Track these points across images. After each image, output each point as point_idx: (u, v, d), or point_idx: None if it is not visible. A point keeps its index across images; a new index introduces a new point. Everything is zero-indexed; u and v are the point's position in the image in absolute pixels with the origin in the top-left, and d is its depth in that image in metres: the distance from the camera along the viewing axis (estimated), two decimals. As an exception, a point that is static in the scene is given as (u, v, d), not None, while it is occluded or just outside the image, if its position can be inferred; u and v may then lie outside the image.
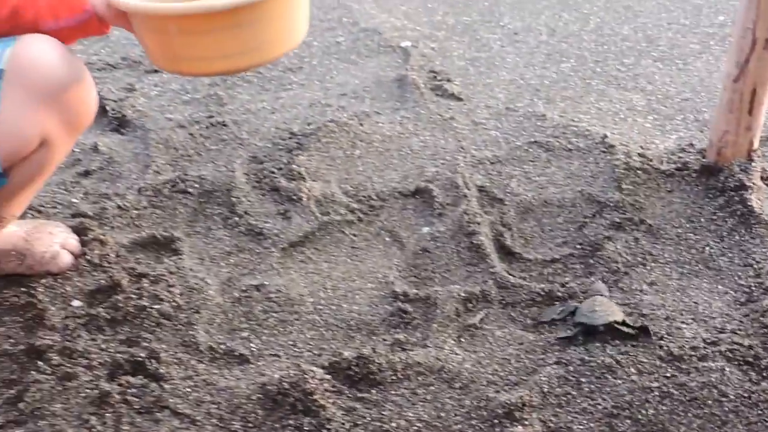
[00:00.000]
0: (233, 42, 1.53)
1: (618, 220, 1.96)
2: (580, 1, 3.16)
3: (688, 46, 2.84)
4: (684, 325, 1.68)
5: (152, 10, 1.52)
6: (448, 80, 2.57)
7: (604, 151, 2.16)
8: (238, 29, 1.51)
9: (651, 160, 2.11)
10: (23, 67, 1.57)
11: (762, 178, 2.06)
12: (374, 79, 2.59)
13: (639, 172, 2.07)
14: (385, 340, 1.69)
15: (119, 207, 2.03)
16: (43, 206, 2.05)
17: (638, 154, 2.14)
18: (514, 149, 2.21)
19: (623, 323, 1.64)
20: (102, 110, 2.34)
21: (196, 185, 2.11)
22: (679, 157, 2.15)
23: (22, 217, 1.87)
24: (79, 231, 1.93)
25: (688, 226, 1.97)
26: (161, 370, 1.60)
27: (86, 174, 2.18)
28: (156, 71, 2.58)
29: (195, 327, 1.70)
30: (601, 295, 1.72)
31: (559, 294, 1.76)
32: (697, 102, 2.48)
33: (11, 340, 1.67)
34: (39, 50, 1.58)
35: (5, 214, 1.73)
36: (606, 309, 1.65)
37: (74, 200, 2.07)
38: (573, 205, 2.01)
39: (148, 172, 2.16)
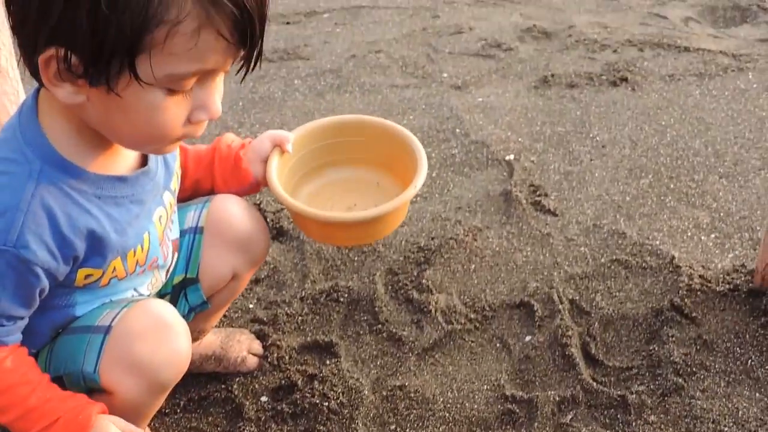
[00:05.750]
0: (361, 233, 1.94)
1: (679, 335, 2.27)
2: (660, 113, 3.45)
3: (750, 161, 3.10)
4: (725, 429, 2.02)
5: (304, 213, 1.81)
6: (545, 195, 2.92)
7: (671, 272, 2.50)
8: (366, 227, 1.87)
9: (709, 282, 2.44)
10: (219, 223, 1.93)
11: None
12: (484, 193, 2.95)
13: (699, 293, 2.40)
14: (499, 435, 2.07)
15: (287, 314, 2.40)
16: (227, 313, 2.42)
17: (699, 275, 2.46)
18: (600, 266, 2.56)
19: None
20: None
21: (346, 295, 2.47)
22: (732, 278, 2.46)
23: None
24: (260, 336, 2.31)
25: (735, 341, 2.26)
26: (334, 458, 2.00)
27: (257, 281, 2.54)
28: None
29: (356, 421, 2.07)
30: None
31: (632, 398, 2.10)
32: (752, 220, 2.77)
33: (218, 428, 2.07)
34: (229, 209, 1.94)
35: (207, 328, 2.13)
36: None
37: (250, 305, 2.45)
38: (645, 319, 2.34)
39: (306, 281, 2.53)
